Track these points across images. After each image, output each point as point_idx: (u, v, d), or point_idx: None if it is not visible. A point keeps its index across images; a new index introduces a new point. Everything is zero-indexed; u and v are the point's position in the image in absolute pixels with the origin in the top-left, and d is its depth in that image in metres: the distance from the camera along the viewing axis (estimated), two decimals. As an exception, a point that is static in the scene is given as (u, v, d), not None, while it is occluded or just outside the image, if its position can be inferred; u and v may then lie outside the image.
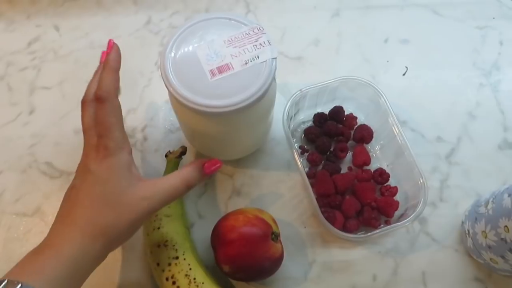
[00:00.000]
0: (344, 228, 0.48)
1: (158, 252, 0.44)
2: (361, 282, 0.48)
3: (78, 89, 0.57)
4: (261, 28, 0.41)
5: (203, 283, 0.43)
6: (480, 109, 0.57)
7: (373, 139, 0.53)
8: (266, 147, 0.54)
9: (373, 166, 0.52)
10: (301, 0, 0.64)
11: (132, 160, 0.40)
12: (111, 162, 0.37)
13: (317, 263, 0.49)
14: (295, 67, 0.59)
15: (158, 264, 0.44)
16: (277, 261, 0.44)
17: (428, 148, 0.54)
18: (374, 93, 0.51)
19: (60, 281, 0.33)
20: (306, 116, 0.55)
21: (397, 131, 0.49)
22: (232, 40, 0.41)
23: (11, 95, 0.57)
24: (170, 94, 0.40)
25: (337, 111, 0.53)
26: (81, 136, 0.54)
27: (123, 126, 0.40)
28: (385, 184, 0.51)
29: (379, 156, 0.53)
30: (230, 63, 0.40)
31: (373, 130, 0.53)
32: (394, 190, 0.49)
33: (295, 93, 0.50)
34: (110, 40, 0.43)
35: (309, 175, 0.51)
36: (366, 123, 0.53)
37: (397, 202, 0.48)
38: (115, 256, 0.49)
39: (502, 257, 0.42)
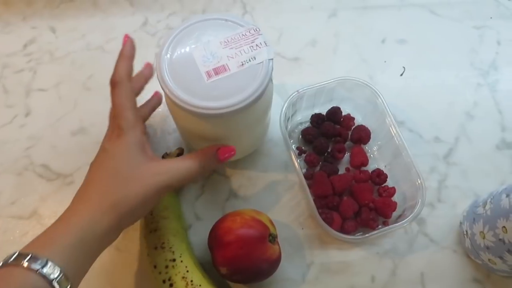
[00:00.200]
0: (342, 229, 0.48)
1: (155, 254, 0.44)
2: (359, 284, 0.48)
3: (75, 91, 0.58)
4: (257, 29, 0.41)
5: (200, 285, 0.43)
6: (478, 109, 0.56)
7: (371, 140, 0.53)
8: (263, 148, 0.54)
9: (370, 167, 0.52)
10: (298, 1, 0.64)
11: (146, 140, 0.41)
12: (124, 140, 0.39)
13: (315, 264, 0.48)
14: (292, 68, 0.59)
15: (155, 267, 0.44)
16: (275, 263, 0.44)
17: (426, 148, 0.54)
18: (371, 93, 0.50)
19: (69, 250, 0.34)
20: (303, 117, 0.55)
21: (395, 132, 0.49)
22: (228, 41, 0.41)
23: (7, 97, 0.57)
24: (166, 95, 0.40)
25: (334, 112, 0.53)
26: (77, 138, 0.55)
27: (135, 108, 0.41)
28: (383, 185, 0.50)
29: (377, 156, 0.53)
30: (227, 64, 0.40)
31: (371, 131, 0.52)
32: (392, 191, 0.49)
33: (292, 94, 0.50)
34: (125, 35, 0.45)
35: (307, 176, 0.50)
36: (363, 124, 0.53)
37: (395, 203, 0.48)
38: (113, 259, 0.49)
39: (500, 257, 0.41)
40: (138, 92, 0.46)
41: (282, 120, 0.49)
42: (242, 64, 0.40)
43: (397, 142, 0.48)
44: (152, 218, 0.46)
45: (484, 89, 0.58)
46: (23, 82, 0.58)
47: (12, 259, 0.32)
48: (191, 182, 0.52)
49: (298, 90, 0.50)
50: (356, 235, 0.48)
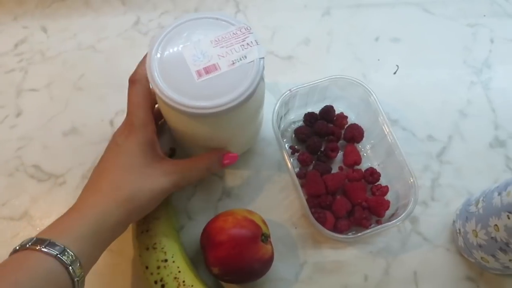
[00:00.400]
0: (335, 229, 0.48)
1: (147, 255, 0.44)
2: (352, 283, 0.48)
3: (66, 91, 0.57)
4: (248, 28, 0.41)
5: (192, 286, 0.42)
6: (471, 107, 0.56)
7: (364, 138, 0.52)
8: (256, 148, 0.54)
9: (364, 166, 0.52)
10: (292, -1, 0.64)
11: (157, 140, 0.43)
12: (137, 137, 0.41)
13: (308, 264, 0.48)
14: (285, 67, 0.59)
15: (147, 267, 0.44)
16: (267, 262, 0.43)
17: (419, 147, 0.54)
18: (364, 92, 0.50)
19: (84, 239, 0.36)
20: (296, 116, 0.54)
21: (387, 130, 0.49)
22: (219, 40, 0.40)
23: (-3, 98, 0.57)
24: (157, 95, 0.39)
25: (327, 111, 0.53)
26: (69, 138, 0.55)
27: (149, 108, 0.43)
28: (376, 184, 0.50)
29: (370, 155, 0.53)
30: (217, 63, 0.39)
31: (364, 129, 0.52)
32: (385, 190, 0.49)
33: (284, 93, 0.49)
34: None
35: (300, 176, 0.50)
36: (356, 122, 0.53)
37: (388, 202, 0.48)
38: (105, 260, 0.48)
39: (493, 256, 0.41)
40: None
41: (275, 119, 0.48)
42: (233, 63, 0.39)
43: (390, 140, 0.48)
44: (144, 218, 0.46)
45: (477, 87, 0.58)
46: (14, 82, 0.57)
47: (30, 243, 0.34)
48: (192, 184, 0.52)
49: (290, 89, 0.49)
50: (349, 234, 0.48)
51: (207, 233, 0.44)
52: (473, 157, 0.53)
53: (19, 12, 0.62)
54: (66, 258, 0.34)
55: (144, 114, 0.42)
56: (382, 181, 0.51)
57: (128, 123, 0.42)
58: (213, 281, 0.47)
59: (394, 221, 0.45)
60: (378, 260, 0.48)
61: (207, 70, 0.39)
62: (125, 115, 0.55)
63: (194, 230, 0.49)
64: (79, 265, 0.34)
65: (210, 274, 0.44)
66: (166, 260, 0.43)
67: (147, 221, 0.45)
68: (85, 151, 0.54)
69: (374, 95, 0.50)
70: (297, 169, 0.51)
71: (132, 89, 0.43)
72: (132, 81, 0.43)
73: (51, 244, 0.34)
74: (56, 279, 0.33)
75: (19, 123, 0.55)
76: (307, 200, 0.48)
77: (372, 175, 0.50)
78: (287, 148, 0.53)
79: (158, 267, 0.43)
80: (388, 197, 0.49)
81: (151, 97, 0.43)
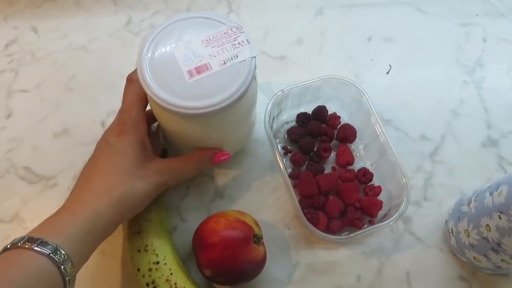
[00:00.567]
0: (328, 229, 0.47)
1: (139, 257, 0.43)
2: (345, 283, 0.47)
3: (57, 92, 0.57)
4: (239, 27, 0.40)
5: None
6: (464, 106, 0.56)
7: (357, 139, 0.52)
8: (249, 148, 0.54)
9: (356, 166, 0.52)
10: (284, -1, 0.63)
11: (147, 141, 0.43)
12: (128, 137, 0.41)
13: (301, 264, 0.48)
14: (278, 67, 0.59)
15: (138, 270, 0.43)
16: (259, 264, 0.43)
17: (412, 146, 0.54)
18: (356, 92, 0.50)
19: (76, 239, 0.36)
20: (289, 116, 0.54)
21: (380, 130, 0.48)
22: (210, 40, 0.40)
23: (-13, 99, 0.56)
24: (148, 96, 0.39)
25: (320, 111, 0.53)
26: (60, 140, 0.54)
27: (143, 109, 0.43)
28: (368, 184, 0.50)
29: (363, 155, 0.52)
30: (209, 63, 0.39)
31: (357, 129, 0.52)
32: (377, 190, 0.49)
33: (276, 94, 0.49)
34: None
35: (293, 176, 0.50)
36: (349, 122, 0.53)
37: (381, 202, 0.48)
38: (97, 262, 0.48)
39: (485, 255, 0.41)
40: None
41: (267, 120, 0.48)
42: (224, 63, 0.39)
43: (382, 141, 0.48)
44: (136, 220, 0.45)
45: (470, 87, 0.58)
46: (4, 83, 0.57)
47: (22, 242, 0.34)
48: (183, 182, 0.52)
49: (282, 89, 0.49)
50: (342, 234, 0.47)
51: (199, 235, 0.43)
52: (465, 156, 0.53)
53: (9, 12, 0.61)
54: (58, 258, 0.34)
55: (137, 114, 0.42)
56: (375, 181, 0.50)
57: (120, 122, 0.42)
58: (205, 283, 0.47)
59: (386, 221, 0.45)
60: (371, 260, 0.48)
61: (199, 70, 0.39)
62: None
63: (187, 231, 0.49)
64: (71, 264, 0.35)
65: (203, 276, 0.44)
66: (157, 262, 0.43)
67: (139, 222, 0.45)
68: (76, 152, 0.53)
69: (366, 95, 0.49)
70: (290, 170, 0.51)
71: (129, 87, 0.43)
72: (130, 79, 0.43)
73: (44, 243, 0.34)
74: (48, 277, 0.33)
75: (9, 124, 0.55)
76: (300, 201, 0.48)
77: (365, 175, 0.50)
78: (279, 148, 0.52)
79: (150, 269, 0.43)
80: (381, 197, 0.49)
81: (146, 98, 0.43)
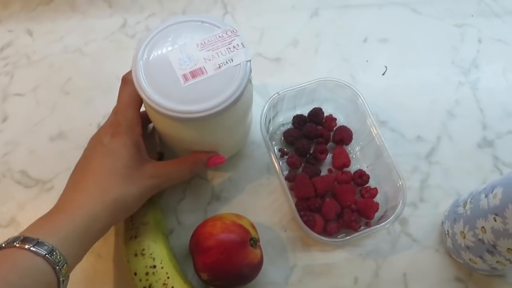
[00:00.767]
0: (324, 231, 0.48)
1: (135, 262, 0.43)
2: (342, 285, 0.48)
3: (53, 95, 0.57)
4: (234, 31, 0.40)
5: (181, 291, 0.42)
6: (459, 107, 0.57)
7: (353, 140, 0.52)
8: (245, 150, 0.54)
9: (353, 168, 0.52)
10: (280, 0, 0.63)
11: (142, 142, 0.43)
12: (123, 139, 0.41)
13: (298, 267, 0.48)
14: (274, 69, 0.59)
15: (135, 274, 0.43)
16: (256, 267, 0.43)
17: (408, 147, 0.54)
18: (352, 94, 0.50)
19: (71, 240, 0.36)
20: (285, 118, 0.54)
21: (376, 132, 0.49)
22: (205, 44, 0.40)
23: (-17, 103, 0.56)
24: (143, 100, 0.39)
25: (316, 113, 0.53)
26: (56, 143, 0.54)
27: (138, 109, 0.43)
28: (365, 186, 0.50)
29: (359, 157, 0.53)
30: (203, 67, 0.39)
31: (353, 131, 0.52)
32: (374, 192, 0.49)
33: (272, 96, 0.49)
34: None
35: (289, 178, 0.50)
36: (345, 124, 0.53)
37: (377, 204, 0.48)
38: (94, 266, 0.48)
39: (481, 257, 0.41)
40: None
41: (263, 123, 0.48)
42: (219, 67, 0.39)
43: (378, 143, 0.48)
44: (132, 224, 0.45)
45: (465, 88, 0.58)
46: (0, 87, 0.57)
47: (18, 241, 0.34)
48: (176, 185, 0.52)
49: (278, 92, 0.49)
50: (339, 237, 0.48)
51: (195, 239, 0.43)
52: (461, 157, 0.54)
53: (4, 15, 0.61)
54: (54, 258, 0.34)
55: (132, 115, 0.42)
56: (371, 183, 0.51)
57: (114, 123, 0.42)
58: (202, 286, 0.47)
59: (383, 223, 0.45)
60: (367, 262, 0.48)
61: (194, 74, 0.39)
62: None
63: (184, 234, 0.49)
64: (66, 265, 0.35)
65: (200, 279, 0.44)
66: (154, 266, 0.43)
67: (136, 226, 0.45)
68: (72, 155, 0.52)
69: (362, 97, 0.49)
70: (286, 172, 0.51)
71: (124, 88, 0.43)
72: (125, 80, 0.43)
73: (40, 244, 0.34)
74: (43, 278, 0.34)
75: (5, 128, 0.55)
76: (296, 203, 0.48)
77: (361, 177, 0.50)
78: (276, 151, 0.53)
79: (147, 274, 0.43)
80: (377, 199, 0.49)
81: (141, 98, 0.42)
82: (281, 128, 0.54)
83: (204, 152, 0.45)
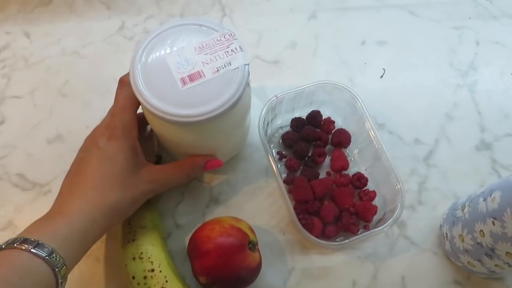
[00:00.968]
0: (323, 234, 0.47)
1: (133, 265, 0.43)
2: (340, 288, 0.48)
3: (50, 98, 0.57)
4: (232, 34, 0.40)
5: (179, 295, 0.42)
6: (457, 110, 0.57)
7: (351, 143, 0.52)
8: (244, 153, 0.54)
9: (351, 170, 0.52)
10: (278, 3, 0.63)
11: (138, 146, 0.43)
12: (119, 143, 0.41)
13: (297, 270, 0.48)
14: (272, 71, 0.59)
15: (133, 277, 0.43)
16: (255, 270, 0.43)
17: (406, 150, 0.54)
18: (350, 96, 0.50)
19: (71, 244, 0.37)
20: (283, 121, 0.54)
21: (374, 135, 0.49)
22: (203, 47, 0.40)
23: (-20, 105, 0.56)
24: (141, 103, 0.39)
25: (314, 116, 0.53)
26: (53, 146, 0.54)
27: (135, 112, 0.43)
28: (363, 189, 0.50)
29: (358, 160, 0.53)
30: (201, 70, 0.39)
31: (351, 134, 0.52)
32: (372, 195, 0.49)
33: (270, 99, 0.49)
34: None
35: (287, 181, 0.50)
36: (344, 127, 0.53)
37: (376, 207, 0.48)
38: (91, 269, 0.48)
39: (479, 260, 0.41)
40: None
41: (261, 126, 0.48)
42: (218, 70, 0.39)
43: (376, 146, 0.48)
44: (130, 227, 0.45)
45: (463, 90, 0.58)
46: (-3, 90, 0.57)
47: (18, 242, 0.34)
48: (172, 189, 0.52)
49: (276, 95, 0.49)
50: (337, 240, 0.48)
51: (193, 242, 0.43)
52: (459, 160, 0.54)
53: (1, 17, 0.61)
54: (53, 260, 0.34)
55: (129, 118, 0.42)
56: (370, 186, 0.50)
57: (111, 125, 0.42)
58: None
59: (381, 227, 0.45)
60: (366, 265, 0.48)
61: (191, 78, 0.39)
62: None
63: (182, 237, 0.49)
64: (65, 267, 0.35)
65: (198, 283, 0.44)
66: (153, 270, 0.43)
67: (133, 230, 0.45)
68: (70, 158, 0.52)
69: (360, 100, 0.49)
70: (284, 175, 0.51)
71: (121, 90, 0.42)
72: (122, 82, 0.43)
73: (40, 246, 0.34)
74: (42, 279, 0.34)
75: (2, 131, 0.54)
76: (295, 206, 0.48)
77: (360, 180, 0.50)
78: (274, 153, 0.52)
79: (145, 277, 0.42)
80: (376, 202, 0.49)
81: (138, 101, 0.42)
82: (280, 130, 0.54)
83: (202, 156, 0.45)
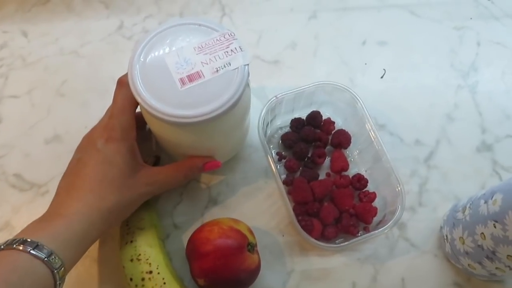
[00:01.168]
0: (323, 236, 0.47)
1: (131, 267, 0.43)
2: (340, 290, 0.47)
3: (48, 98, 0.56)
4: (232, 34, 0.40)
5: (177, 297, 0.42)
6: (458, 111, 0.56)
7: (351, 144, 0.52)
8: (243, 154, 0.53)
9: (351, 172, 0.51)
10: (278, 2, 0.63)
11: (136, 147, 0.43)
12: (117, 145, 0.40)
13: (296, 272, 0.48)
14: (272, 71, 0.58)
15: (131, 279, 0.43)
16: (254, 272, 0.43)
17: (407, 151, 0.54)
18: (351, 97, 0.50)
19: (70, 245, 0.37)
20: (283, 122, 0.54)
21: (374, 137, 0.48)
22: (202, 47, 0.39)
23: (-23, 105, 0.55)
24: (140, 104, 0.38)
25: (314, 116, 0.52)
26: (51, 146, 0.53)
27: (133, 113, 0.42)
28: (363, 190, 0.50)
29: (358, 161, 0.52)
30: (201, 71, 0.39)
31: (351, 135, 0.52)
32: (372, 196, 0.49)
33: (270, 99, 0.49)
34: None
35: (287, 182, 0.50)
36: (344, 128, 0.52)
37: (376, 209, 0.48)
38: (89, 272, 0.48)
39: (480, 263, 0.41)
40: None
41: (260, 126, 0.48)
42: (217, 71, 0.39)
43: (377, 147, 0.48)
44: (128, 229, 0.45)
45: (464, 91, 0.58)
46: (-6, 89, 0.56)
47: (17, 243, 0.34)
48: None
49: (276, 95, 0.49)
50: (337, 241, 0.47)
51: (192, 244, 0.43)
52: (460, 161, 0.53)
53: (-1, 16, 0.61)
54: (52, 262, 0.34)
55: (127, 119, 0.42)
56: (370, 187, 0.50)
57: (109, 127, 0.41)
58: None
59: (381, 229, 0.45)
60: (366, 267, 0.48)
61: (191, 78, 0.38)
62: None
63: (180, 239, 0.48)
64: (64, 269, 0.35)
65: (196, 285, 0.44)
66: (151, 272, 0.42)
67: (131, 231, 0.45)
68: (68, 159, 0.51)
69: (360, 101, 0.49)
70: (284, 176, 0.51)
71: (120, 90, 0.42)
72: (121, 82, 0.42)
73: (39, 247, 0.34)
74: (41, 280, 0.34)
75: (0, 131, 0.54)
76: (294, 207, 0.48)
77: (360, 181, 0.49)
78: (273, 154, 0.52)
79: (143, 279, 0.42)
80: (376, 203, 0.49)
81: (136, 101, 0.42)
82: (279, 131, 0.54)
83: (200, 158, 0.45)
